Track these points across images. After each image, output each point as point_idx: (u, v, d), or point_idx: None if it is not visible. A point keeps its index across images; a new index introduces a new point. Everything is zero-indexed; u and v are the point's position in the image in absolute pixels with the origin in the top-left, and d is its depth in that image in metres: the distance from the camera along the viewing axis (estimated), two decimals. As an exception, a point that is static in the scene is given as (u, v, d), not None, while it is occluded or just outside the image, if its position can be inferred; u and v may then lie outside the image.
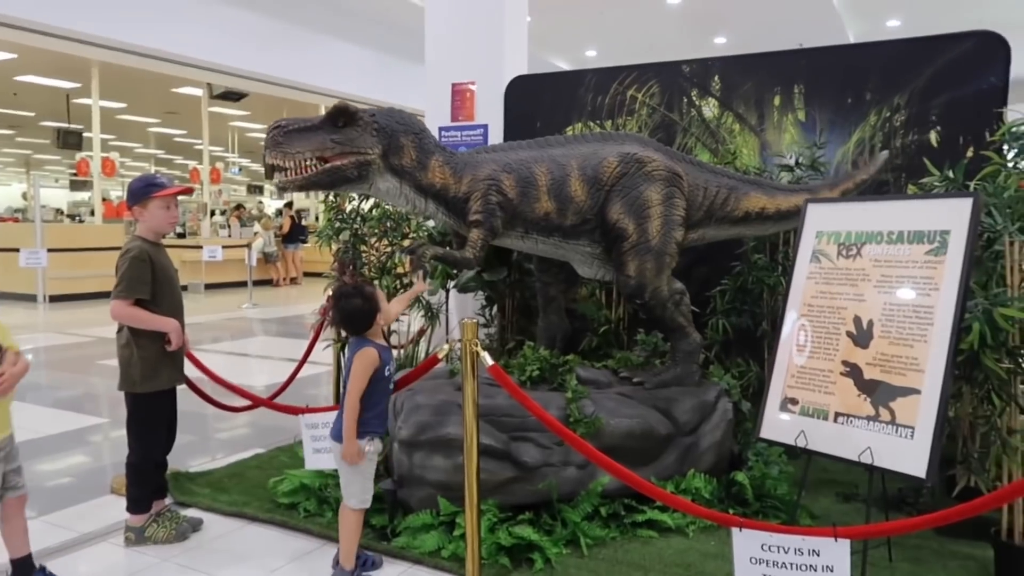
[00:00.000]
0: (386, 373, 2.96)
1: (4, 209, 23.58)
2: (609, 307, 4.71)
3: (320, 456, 3.41)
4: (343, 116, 3.28)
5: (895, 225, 3.02)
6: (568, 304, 4.32)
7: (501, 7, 5.72)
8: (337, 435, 2.94)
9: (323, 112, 3.36)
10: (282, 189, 3.32)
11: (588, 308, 4.57)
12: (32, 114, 18.88)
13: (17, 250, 11.07)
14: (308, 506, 3.53)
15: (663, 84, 5.08)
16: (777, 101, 4.76)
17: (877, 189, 4.40)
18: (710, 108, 4.95)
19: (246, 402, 3.95)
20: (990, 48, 4.14)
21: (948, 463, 3.15)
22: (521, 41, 6.03)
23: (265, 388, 6.14)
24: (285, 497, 3.62)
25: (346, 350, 2.95)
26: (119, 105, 17.64)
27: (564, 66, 17.61)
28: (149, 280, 3.25)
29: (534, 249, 3.77)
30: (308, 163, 3.23)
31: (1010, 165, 3.21)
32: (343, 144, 3.27)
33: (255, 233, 16.36)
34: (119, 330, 3.34)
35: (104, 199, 16.76)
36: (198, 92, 15.73)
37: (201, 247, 13.15)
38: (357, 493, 2.94)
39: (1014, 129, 3.14)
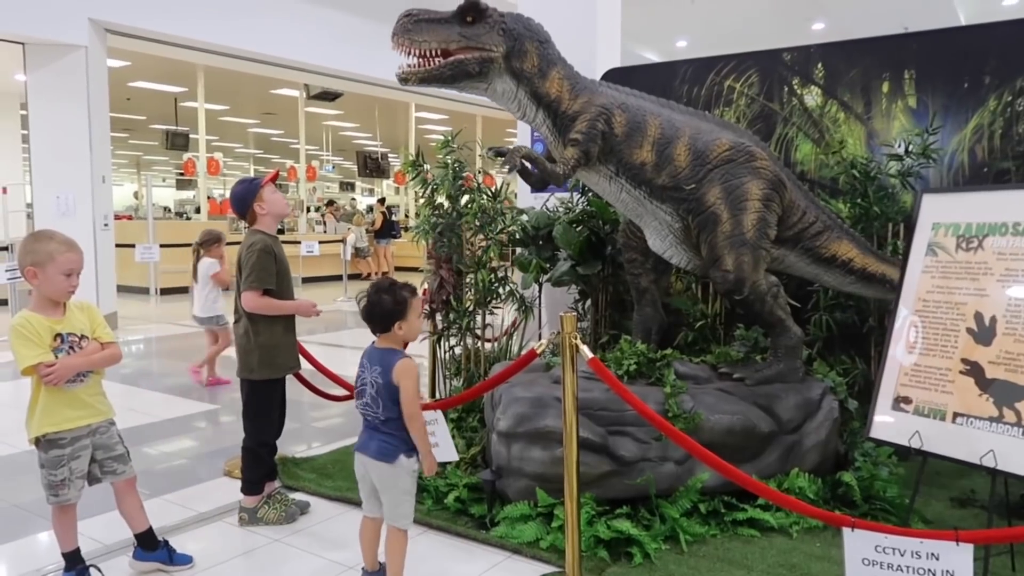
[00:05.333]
0: None
1: (122, 208, 25.04)
2: (705, 301, 4.63)
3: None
4: (473, 12, 3.31)
5: (1021, 215, 2.85)
6: (663, 298, 4.27)
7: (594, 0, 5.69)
8: (379, 453, 2.67)
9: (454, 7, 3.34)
10: (404, 80, 3.31)
11: (683, 303, 4.51)
12: (143, 117, 19.98)
13: (132, 246, 11.76)
14: (408, 493, 3.62)
15: (762, 73, 4.94)
16: (885, 88, 4.56)
17: (997, 178, 4.16)
18: (812, 97, 4.78)
19: (345, 392, 4.09)
20: None
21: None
22: (614, 34, 5.98)
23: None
24: (386, 484, 3.72)
25: (367, 358, 2.72)
26: (222, 107, 18.48)
27: (654, 58, 17.34)
28: (275, 271, 3.41)
29: (616, 198, 3.72)
30: (432, 54, 3.25)
31: None
32: (469, 39, 3.29)
33: (348, 228, 16.83)
34: (236, 320, 3.51)
35: (208, 197, 17.58)
36: (295, 93, 16.30)
37: (299, 242, 13.62)
38: (407, 513, 2.73)
39: None
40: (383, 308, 2.67)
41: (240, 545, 3.31)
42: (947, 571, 2.19)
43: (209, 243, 6.47)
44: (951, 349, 2.89)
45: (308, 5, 11.56)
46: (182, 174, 20.67)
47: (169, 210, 26.51)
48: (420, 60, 3.27)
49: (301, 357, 3.77)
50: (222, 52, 11.24)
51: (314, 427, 5.24)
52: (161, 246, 12.15)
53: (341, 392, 4.11)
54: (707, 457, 2.59)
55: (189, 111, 16.93)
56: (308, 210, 18.86)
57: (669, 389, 3.38)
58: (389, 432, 2.67)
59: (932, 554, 2.20)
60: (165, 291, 13.12)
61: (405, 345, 2.73)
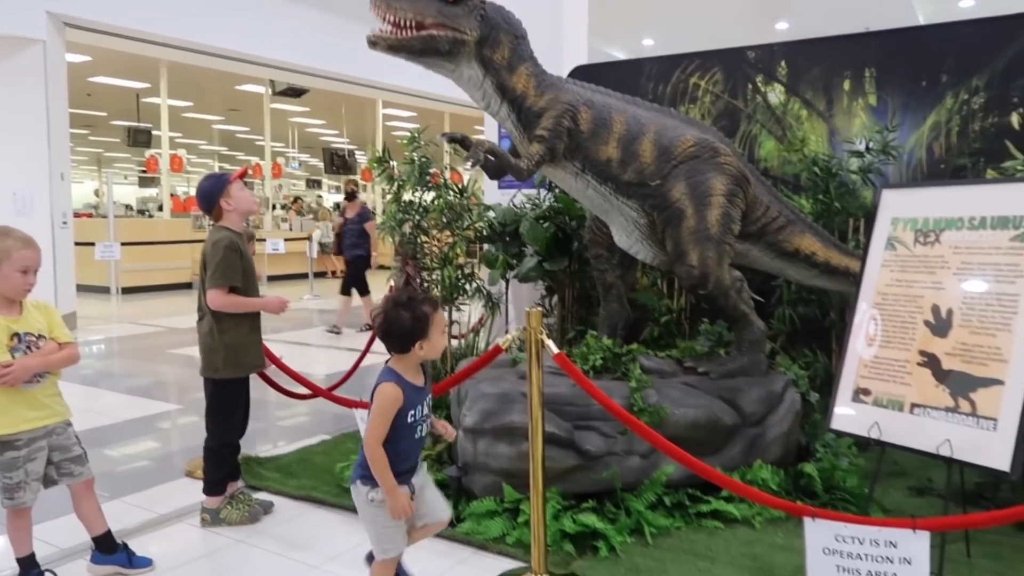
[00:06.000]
0: (409, 419, 2.39)
1: (82, 206, 24.52)
2: (671, 297, 4.67)
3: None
4: None
5: (977, 210, 2.91)
6: (629, 294, 4.30)
7: (560, -2, 5.70)
8: (358, 475, 2.47)
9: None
10: (372, 44, 3.27)
11: (649, 298, 4.54)
12: (104, 114, 19.57)
13: (92, 244, 11.52)
14: (374, 491, 3.59)
15: (726, 71, 4.99)
16: (847, 86, 4.63)
17: (954, 174, 4.25)
18: (776, 94, 4.84)
19: (309, 391, 4.05)
20: (1076, 25, 3.95)
21: (1031, 458, 3.02)
22: (581, 31, 6.00)
23: (326, 378, 6.26)
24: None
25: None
26: (186, 104, 18.17)
27: (621, 56, 17.43)
28: (240, 268, 3.36)
29: (582, 194, 3.74)
30: (406, 24, 3.22)
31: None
32: (446, 17, 3.28)
33: (315, 225, 16.67)
34: (200, 318, 3.45)
35: (172, 194, 17.29)
36: (260, 89, 16.09)
37: (264, 240, 13.46)
38: (380, 545, 2.50)
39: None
40: (402, 326, 2.36)
41: (202, 547, 3.26)
42: (904, 558, 2.23)
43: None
44: (909, 341, 2.95)
45: (274, 0, 11.43)
46: (144, 171, 20.28)
47: (131, 208, 26.02)
48: (393, 28, 3.25)
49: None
50: (186, 47, 11.05)
51: (278, 426, 5.18)
52: (122, 244, 11.92)
53: (305, 391, 4.07)
54: (671, 450, 2.60)
55: (152, 107, 16.61)
56: (274, 207, 18.64)
57: (635, 383, 3.39)
58: (361, 452, 2.45)
59: (890, 542, 2.23)
60: (127, 290, 12.87)
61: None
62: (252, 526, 3.41)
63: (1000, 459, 2.57)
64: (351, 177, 17.04)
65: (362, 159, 21.04)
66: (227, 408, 3.46)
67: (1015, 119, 4.12)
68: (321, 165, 21.65)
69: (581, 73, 5.41)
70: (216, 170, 25.31)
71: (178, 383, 6.64)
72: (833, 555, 2.32)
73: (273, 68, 12.82)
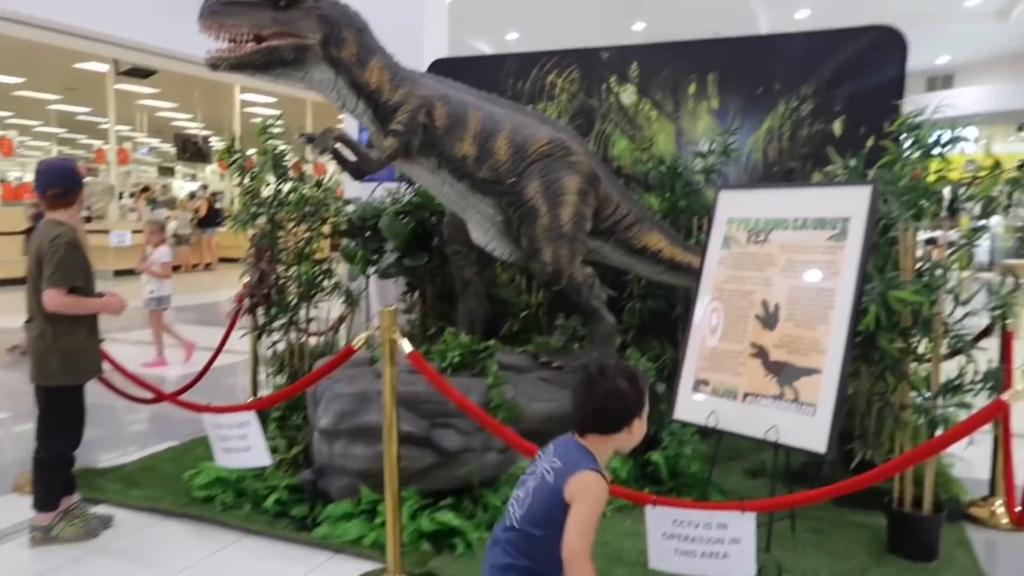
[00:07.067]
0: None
1: None
2: (529, 292, 4.76)
3: (233, 455, 3.32)
4: None
5: (800, 212, 3.16)
6: (488, 289, 4.35)
7: (420, -12, 5.66)
8: None
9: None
10: (213, 66, 3.16)
11: (509, 293, 4.61)
12: (-83, 88, 17.61)
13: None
14: (225, 499, 3.46)
15: (583, 70, 5.12)
16: (692, 89, 4.88)
17: (786, 177, 4.57)
18: (628, 95, 5.03)
19: (151, 394, 3.85)
20: (888, 42, 4.35)
21: (847, 438, 3.32)
22: (441, 24, 5.98)
23: (179, 379, 5.96)
24: (201, 490, 3.53)
25: (554, 444, 1.98)
26: (16, 80, 16.63)
27: (486, 49, 17.55)
28: (84, 267, 3.13)
29: (439, 190, 3.76)
30: (244, 39, 3.11)
31: (905, 155, 3.38)
32: (283, 24, 3.17)
33: (167, 216, 15.76)
34: (29, 319, 3.19)
35: (1, 180, 15.79)
36: (103, 68, 14.96)
37: (108, 231, 12.57)
38: None
39: (909, 121, 3.31)
40: (625, 402, 1.90)
41: (32, 567, 3.03)
42: (734, 539, 2.40)
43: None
44: (742, 334, 3.16)
45: (115, -27, 10.66)
46: (-32, 154, 18.38)
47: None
48: (231, 45, 3.12)
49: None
50: (13, 19, 10.10)
51: (122, 433, 4.87)
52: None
53: (147, 395, 3.85)
54: (523, 447, 2.67)
55: (-26, 83, 15.11)
56: (120, 196, 17.42)
57: (491, 380, 3.44)
58: (519, 558, 1.84)
59: (721, 524, 2.40)
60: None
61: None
62: (89, 542, 3.21)
63: (818, 441, 2.81)
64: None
65: (219, 146, 20.04)
66: (63, 418, 3.23)
67: (837, 126, 4.49)
68: (173, 151, 20.45)
69: (442, 67, 5.40)
70: (54, 154, 23.31)
71: (6, 388, 6.10)
72: (672, 539, 2.47)
73: (115, 46, 11.94)
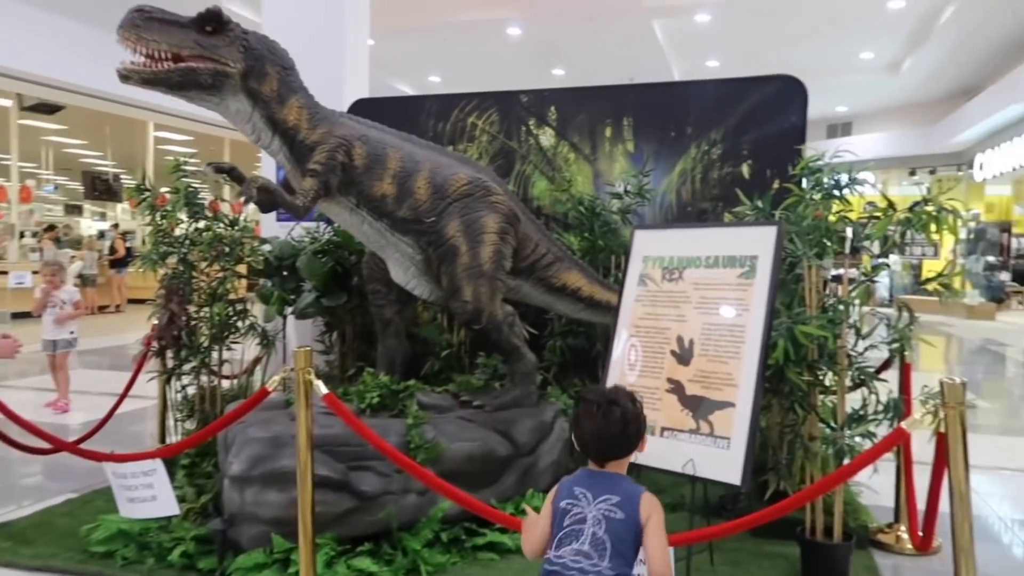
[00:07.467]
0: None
1: None
2: (451, 331, 4.73)
3: (138, 505, 3.15)
4: (214, 22, 3.16)
5: (711, 250, 3.26)
6: (410, 328, 4.31)
7: (342, 29, 5.67)
8: None
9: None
10: (124, 78, 3.07)
11: (430, 332, 4.58)
12: None
13: None
14: (126, 553, 3.25)
15: (502, 112, 5.21)
16: (608, 132, 5.02)
17: (699, 217, 4.73)
18: (547, 137, 5.13)
19: (47, 444, 3.62)
20: (790, 91, 4.59)
21: (762, 470, 3.41)
22: (362, 64, 5.99)
23: (82, 426, 5.63)
24: (100, 545, 3.32)
25: (581, 485, 1.96)
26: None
27: (408, 90, 17.66)
28: None
29: (358, 229, 3.74)
30: (161, 56, 3.05)
31: (808, 197, 3.55)
32: (205, 49, 3.14)
33: (72, 256, 15.06)
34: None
35: None
36: (6, 103, 14.32)
37: (7, 272, 11.90)
38: None
39: (810, 164, 3.49)
40: (639, 423, 1.99)
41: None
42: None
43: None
44: (659, 370, 3.22)
45: (21, 6, 10.26)
46: None
47: None
48: (147, 60, 3.07)
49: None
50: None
51: (12, 487, 4.55)
52: None
53: (44, 445, 3.62)
54: (442, 488, 2.63)
55: None
56: (22, 236, 16.57)
57: (411, 420, 3.39)
58: None
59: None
60: None
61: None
62: (-28, 607, 2.96)
63: (733, 474, 2.86)
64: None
65: (131, 185, 19.35)
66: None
67: (745, 169, 4.69)
68: (81, 189, 19.65)
69: (362, 107, 5.40)
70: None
71: None
72: None
73: (20, 80, 11.47)
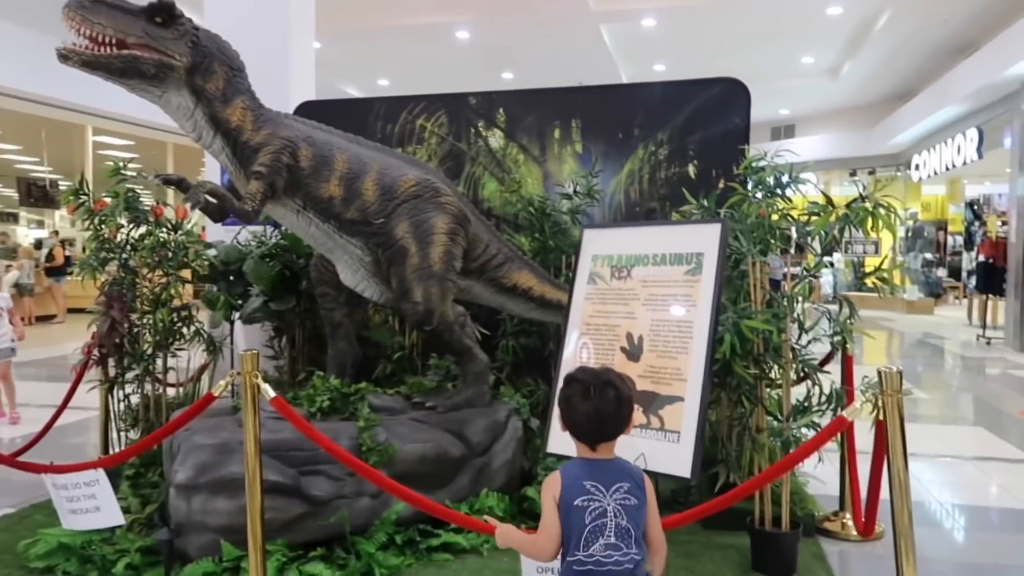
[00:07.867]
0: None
1: None
2: (403, 333, 4.70)
3: (80, 516, 3.06)
4: (164, 13, 3.13)
5: (659, 248, 3.30)
6: (361, 331, 4.27)
7: (286, 31, 5.60)
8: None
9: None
10: (64, 58, 2.98)
11: (382, 335, 4.54)
12: None
13: None
14: (68, 568, 3.15)
15: (451, 115, 5.20)
16: (557, 134, 5.05)
17: (647, 216, 4.79)
18: (496, 139, 5.14)
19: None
20: (734, 93, 4.69)
21: (711, 463, 3.47)
22: (308, 66, 5.92)
23: (21, 439, 5.43)
24: (39, 560, 3.21)
25: (592, 479, 1.95)
26: None
27: (356, 94, 17.52)
28: None
29: (305, 232, 3.70)
30: (105, 40, 2.99)
31: (751, 195, 3.63)
32: (153, 39, 3.10)
33: (7, 266, 14.52)
34: None
35: None
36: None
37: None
38: None
39: (753, 164, 3.57)
40: (631, 404, 2.00)
41: None
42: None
43: None
44: (610, 366, 3.24)
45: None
46: None
47: None
48: (90, 43, 3.00)
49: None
50: None
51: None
52: None
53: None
54: (395, 489, 2.61)
55: None
56: (-47, 245, 15.95)
57: (363, 423, 3.36)
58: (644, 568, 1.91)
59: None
60: None
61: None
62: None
63: (683, 467, 2.90)
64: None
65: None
66: None
67: (691, 169, 4.77)
68: (16, 196, 18.97)
69: (309, 109, 5.34)
70: None
71: None
72: (544, 573, 2.46)
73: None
